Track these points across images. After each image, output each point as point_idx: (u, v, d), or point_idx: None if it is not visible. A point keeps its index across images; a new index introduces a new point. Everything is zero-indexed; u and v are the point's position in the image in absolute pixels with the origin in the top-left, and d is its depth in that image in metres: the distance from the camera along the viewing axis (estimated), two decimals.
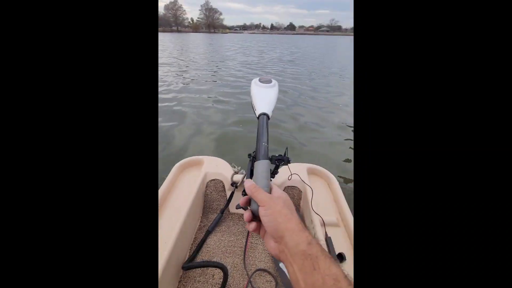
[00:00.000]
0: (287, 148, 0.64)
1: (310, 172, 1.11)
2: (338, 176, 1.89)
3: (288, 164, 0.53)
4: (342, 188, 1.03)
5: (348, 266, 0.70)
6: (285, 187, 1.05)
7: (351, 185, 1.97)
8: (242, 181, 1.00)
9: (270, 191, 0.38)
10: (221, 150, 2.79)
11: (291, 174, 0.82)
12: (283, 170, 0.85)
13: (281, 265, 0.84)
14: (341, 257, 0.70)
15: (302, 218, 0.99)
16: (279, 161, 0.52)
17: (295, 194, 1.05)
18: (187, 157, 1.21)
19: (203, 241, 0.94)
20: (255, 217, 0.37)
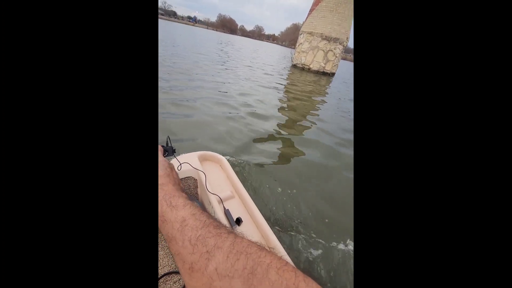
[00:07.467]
0: (168, 137, 0.62)
1: (202, 159, 1.17)
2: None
3: (178, 156, 0.51)
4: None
5: (244, 226, 0.89)
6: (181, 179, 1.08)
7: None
8: None
9: None
10: None
11: (180, 164, 0.82)
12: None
13: None
14: (238, 221, 0.88)
15: (201, 203, 1.05)
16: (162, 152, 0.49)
17: (190, 184, 1.07)
18: None
19: None
20: None
